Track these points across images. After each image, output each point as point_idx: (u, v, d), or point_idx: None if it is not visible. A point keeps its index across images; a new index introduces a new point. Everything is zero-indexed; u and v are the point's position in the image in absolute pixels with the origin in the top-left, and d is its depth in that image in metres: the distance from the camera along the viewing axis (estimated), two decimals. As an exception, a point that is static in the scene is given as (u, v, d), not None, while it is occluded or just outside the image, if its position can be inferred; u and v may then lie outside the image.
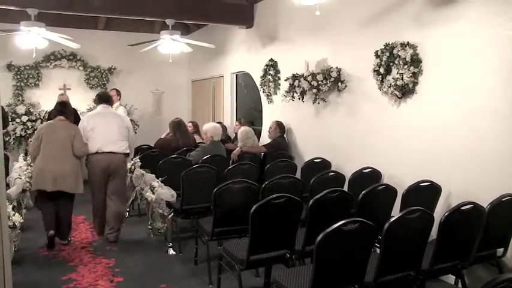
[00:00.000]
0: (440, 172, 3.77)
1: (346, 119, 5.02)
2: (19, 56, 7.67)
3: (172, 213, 4.45)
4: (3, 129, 6.61)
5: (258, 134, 6.61)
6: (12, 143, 7.59)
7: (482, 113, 3.47)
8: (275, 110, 6.44)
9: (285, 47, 6.18)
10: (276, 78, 6.33)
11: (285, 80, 5.81)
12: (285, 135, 5.99)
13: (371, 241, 2.56)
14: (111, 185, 4.83)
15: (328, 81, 5.04)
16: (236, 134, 6.27)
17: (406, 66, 4.04)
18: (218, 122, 6.61)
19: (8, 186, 4.31)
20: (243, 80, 8.02)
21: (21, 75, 8.27)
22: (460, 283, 3.11)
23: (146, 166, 5.19)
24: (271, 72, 6.41)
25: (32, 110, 7.87)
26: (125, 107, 7.95)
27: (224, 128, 6.82)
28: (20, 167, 5.06)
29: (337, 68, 5.02)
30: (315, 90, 5.24)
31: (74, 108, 5.40)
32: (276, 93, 6.37)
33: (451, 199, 3.71)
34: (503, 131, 3.31)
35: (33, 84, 8.37)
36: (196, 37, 8.15)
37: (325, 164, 5.02)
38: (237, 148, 5.70)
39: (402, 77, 4.08)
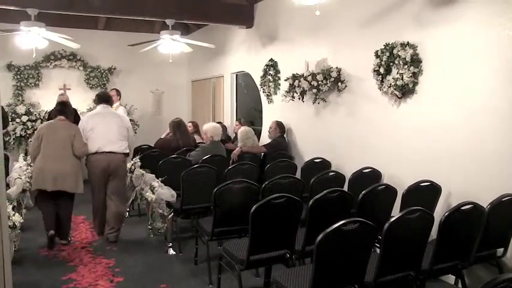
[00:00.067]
0: (440, 172, 3.77)
1: (346, 119, 5.02)
2: (19, 56, 7.67)
3: (172, 213, 4.45)
4: (3, 129, 6.61)
5: (258, 134, 6.61)
6: (12, 143, 7.59)
7: (482, 113, 3.47)
8: (275, 110, 6.44)
9: (285, 47, 6.18)
10: (276, 78, 6.33)
11: (285, 80, 5.81)
12: (285, 135, 5.99)
13: (371, 241, 2.56)
14: (111, 185, 4.84)
15: (328, 81, 5.04)
16: (236, 134, 6.27)
17: (406, 66, 4.04)
18: (218, 122, 6.61)
19: (8, 186, 4.31)
20: (243, 80, 8.02)
21: (21, 75, 8.27)
22: (460, 283, 3.11)
23: (146, 166, 5.20)
24: (271, 72, 6.41)
25: (32, 110, 7.87)
26: (124, 107, 7.95)
27: (224, 128, 6.82)
28: (20, 167, 5.06)
29: (337, 68, 5.02)
30: (315, 90, 5.24)
31: (74, 108, 5.40)
32: (276, 93, 6.37)
33: (451, 199, 3.71)
34: (503, 131, 3.31)
35: (33, 84, 8.37)
36: (196, 37, 8.15)
37: (325, 164, 5.02)
38: (237, 148, 5.70)
39: (402, 77, 4.08)
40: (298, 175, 4.60)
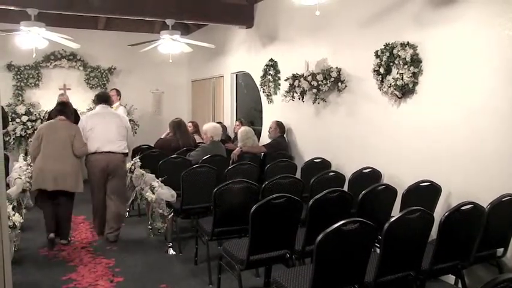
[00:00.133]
0: (440, 172, 3.77)
1: (346, 119, 5.02)
2: (19, 56, 7.67)
3: (172, 213, 4.45)
4: (3, 129, 6.61)
5: (258, 134, 6.61)
6: (12, 143, 7.59)
7: (482, 113, 3.47)
8: (275, 110, 6.44)
9: (285, 47, 6.18)
10: (276, 78, 6.33)
11: (285, 80, 5.81)
12: (285, 135, 5.99)
13: (371, 241, 2.56)
14: (110, 185, 4.84)
15: (328, 81, 5.04)
16: (236, 134, 6.27)
17: (406, 66, 4.04)
18: (218, 122, 6.60)
19: (8, 186, 4.31)
20: (243, 80, 8.02)
21: (21, 75, 8.27)
22: (460, 283, 3.11)
23: (146, 166, 5.19)
24: (271, 72, 6.41)
25: (32, 110, 7.87)
26: (124, 107, 7.95)
27: (224, 128, 6.82)
28: (20, 167, 5.06)
29: (337, 68, 5.02)
30: (315, 90, 5.24)
31: (74, 108, 5.40)
32: (276, 93, 6.37)
33: (451, 199, 3.71)
34: (503, 131, 3.31)
35: (33, 84, 8.37)
36: (196, 37, 8.15)
37: (325, 164, 5.02)
38: (237, 148, 5.70)
39: (402, 77, 4.08)
40: (298, 175, 4.60)
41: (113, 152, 4.75)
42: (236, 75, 7.91)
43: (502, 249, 3.19)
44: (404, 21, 4.17)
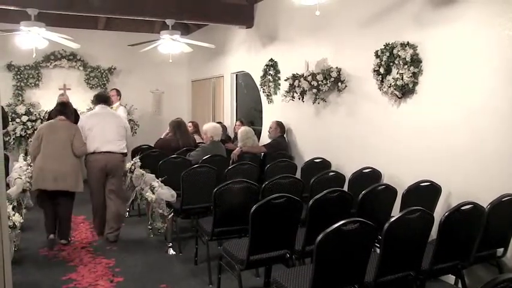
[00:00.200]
0: (440, 172, 3.77)
1: (346, 119, 5.02)
2: (19, 56, 7.67)
3: (172, 213, 4.45)
4: (3, 129, 6.61)
5: (258, 134, 6.61)
6: (12, 143, 7.59)
7: (482, 113, 3.47)
8: (275, 110, 6.44)
9: (285, 47, 6.18)
10: (276, 78, 6.33)
11: (285, 80, 5.81)
12: (285, 135, 5.99)
13: (371, 241, 2.56)
14: (109, 185, 4.85)
15: (328, 81, 5.04)
16: (236, 134, 6.27)
17: (406, 66, 4.04)
18: (218, 122, 6.60)
19: (8, 186, 4.31)
20: (243, 80, 8.02)
21: (21, 75, 8.26)
22: (460, 283, 3.11)
23: (146, 166, 5.19)
24: (271, 72, 6.41)
25: (32, 110, 7.87)
26: (125, 107, 7.94)
27: (224, 128, 6.82)
28: (20, 167, 5.06)
29: (337, 68, 5.02)
30: (315, 90, 5.24)
31: (74, 108, 5.40)
32: (276, 93, 6.37)
33: (451, 199, 3.71)
34: (503, 131, 3.31)
35: (33, 84, 8.37)
36: (196, 37, 8.15)
37: (325, 164, 5.02)
38: (237, 148, 5.70)
39: (402, 77, 4.08)
40: (298, 175, 4.60)
41: (112, 152, 4.76)
42: (236, 75, 7.91)
43: (502, 249, 3.19)
44: (404, 21, 4.17)
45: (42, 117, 7.67)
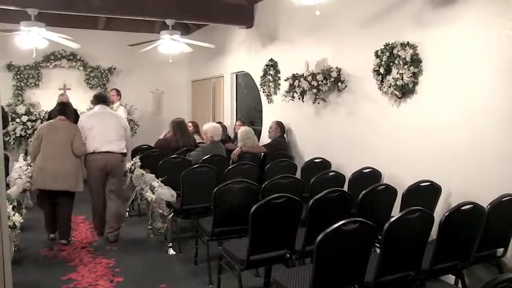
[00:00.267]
0: (440, 172, 3.77)
1: (346, 119, 5.02)
2: (19, 56, 7.67)
3: (172, 213, 4.45)
4: (3, 129, 6.61)
5: (258, 134, 6.61)
6: (12, 143, 7.59)
7: (482, 113, 3.47)
8: (275, 110, 6.44)
9: (285, 47, 6.17)
10: (276, 78, 6.33)
11: (285, 80, 5.81)
12: (285, 135, 5.99)
13: (371, 241, 2.56)
14: (109, 185, 4.85)
15: (328, 81, 5.04)
16: (236, 134, 6.27)
17: (406, 66, 4.04)
18: (218, 122, 6.60)
19: (8, 186, 4.31)
20: (243, 80, 8.02)
21: (21, 75, 8.26)
22: (460, 283, 3.11)
23: (146, 166, 5.19)
24: (271, 72, 6.41)
25: (32, 110, 7.86)
26: (125, 107, 7.94)
27: (224, 128, 6.82)
28: (20, 167, 5.06)
29: (337, 68, 5.02)
30: (315, 90, 5.24)
31: (74, 108, 5.41)
32: (276, 93, 6.37)
33: (451, 199, 3.71)
34: (503, 131, 3.31)
35: (33, 84, 8.37)
36: (196, 37, 8.15)
37: (325, 164, 5.02)
38: (237, 148, 5.70)
39: (402, 77, 4.08)
40: (298, 175, 4.60)
41: (111, 152, 4.77)
42: (236, 75, 7.91)
43: (502, 249, 3.19)
44: (404, 21, 4.17)
45: (42, 117, 7.67)
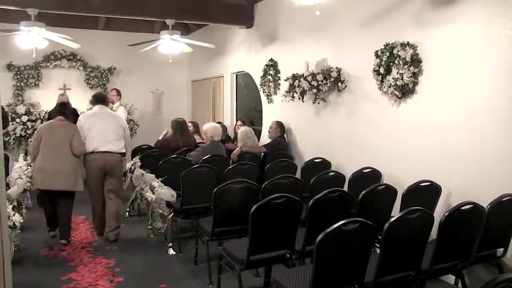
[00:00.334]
0: (440, 172, 3.77)
1: (346, 119, 5.02)
2: (19, 56, 7.67)
3: (172, 213, 4.45)
4: (3, 129, 6.61)
5: (258, 134, 6.61)
6: (12, 143, 7.59)
7: (482, 113, 3.47)
8: (275, 110, 6.44)
9: (285, 47, 6.18)
10: (276, 78, 6.33)
11: (285, 80, 5.81)
12: (285, 135, 5.99)
13: (371, 241, 2.56)
14: (108, 185, 4.86)
15: (328, 81, 5.04)
16: (236, 134, 6.27)
17: (406, 66, 4.04)
18: (218, 122, 6.60)
19: (8, 186, 4.32)
20: (243, 80, 8.02)
21: (21, 75, 8.27)
22: (460, 283, 3.11)
23: (146, 166, 5.19)
24: (271, 72, 6.41)
25: (32, 110, 7.87)
26: (125, 107, 7.94)
27: (224, 128, 6.82)
28: (20, 167, 5.06)
29: (337, 68, 5.02)
30: (315, 90, 5.24)
31: (74, 108, 5.42)
32: (276, 93, 6.37)
33: (451, 199, 3.71)
34: (503, 131, 3.31)
35: (33, 84, 8.37)
36: (196, 37, 8.15)
37: (325, 164, 5.02)
38: (237, 148, 5.70)
39: (402, 77, 4.08)
40: (298, 175, 4.60)
41: (110, 152, 4.78)
42: (236, 75, 7.91)
43: (502, 249, 3.19)
44: (404, 21, 4.17)
45: (42, 117, 7.67)
